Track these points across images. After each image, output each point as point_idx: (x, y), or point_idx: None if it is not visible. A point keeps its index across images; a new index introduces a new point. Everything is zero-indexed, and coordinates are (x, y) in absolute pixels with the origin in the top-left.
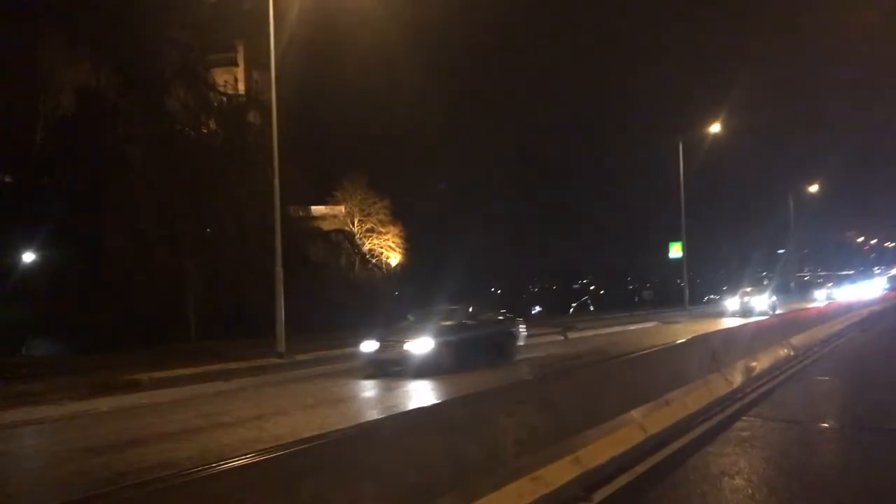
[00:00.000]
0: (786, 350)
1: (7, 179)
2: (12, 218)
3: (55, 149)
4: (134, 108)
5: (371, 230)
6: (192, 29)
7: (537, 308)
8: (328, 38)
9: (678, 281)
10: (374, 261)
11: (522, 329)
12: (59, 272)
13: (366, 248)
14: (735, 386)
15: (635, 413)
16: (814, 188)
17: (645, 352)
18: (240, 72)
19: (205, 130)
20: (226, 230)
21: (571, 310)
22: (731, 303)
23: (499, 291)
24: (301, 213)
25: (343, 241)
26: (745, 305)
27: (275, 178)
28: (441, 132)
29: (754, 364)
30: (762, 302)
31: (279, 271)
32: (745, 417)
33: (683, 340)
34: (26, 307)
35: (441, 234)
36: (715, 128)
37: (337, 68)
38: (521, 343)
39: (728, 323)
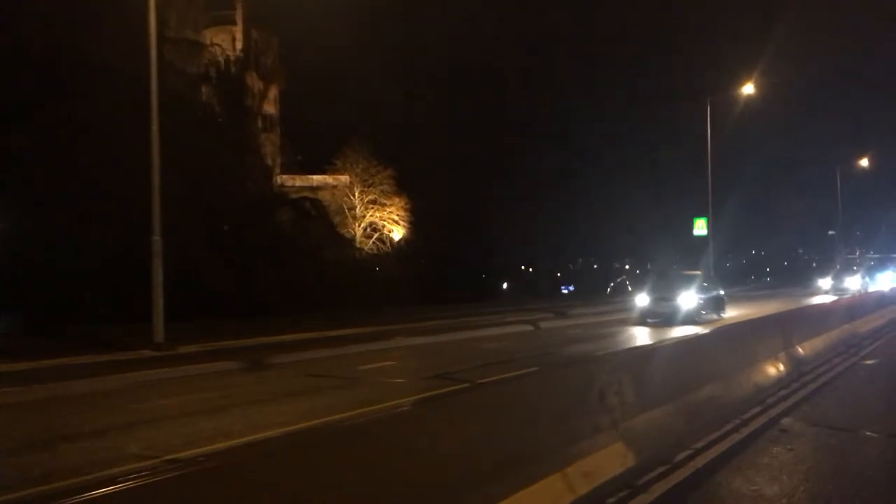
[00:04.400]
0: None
1: None
2: None
3: None
4: None
5: (374, 202)
6: None
7: (570, 287)
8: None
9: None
10: (376, 235)
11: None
12: None
13: (366, 221)
14: None
15: None
16: (864, 162)
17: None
18: (238, 31)
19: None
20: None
21: (609, 289)
22: (824, 282)
23: (530, 269)
24: (295, 183)
25: (344, 214)
26: (837, 285)
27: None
28: (465, 94)
29: None
30: (855, 282)
31: (156, 241)
32: None
33: None
34: None
35: (459, 209)
36: (748, 88)
37: (347, 26)
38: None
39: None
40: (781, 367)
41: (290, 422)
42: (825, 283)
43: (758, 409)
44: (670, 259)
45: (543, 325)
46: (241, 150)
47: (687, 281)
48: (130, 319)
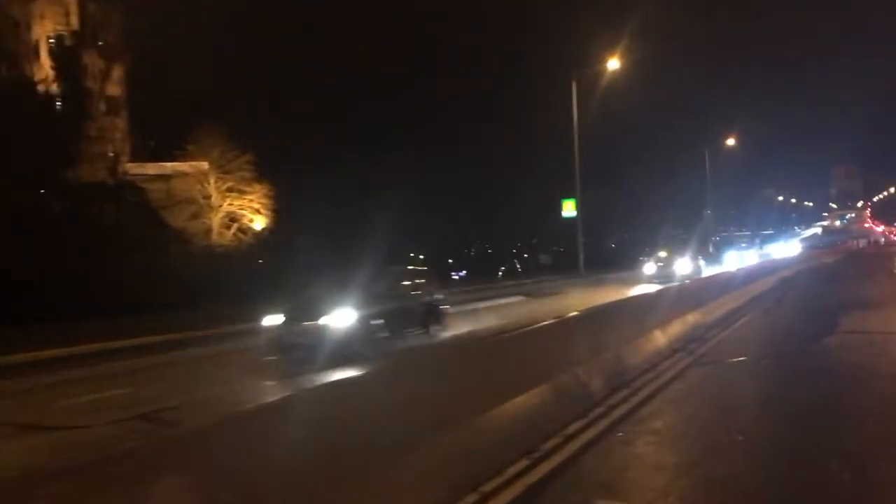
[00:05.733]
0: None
1: None
2: None
3: None
4: None
5: (231, 189)
6: None
7: (461, 273)
8: None
9: (612, 244)
10: (235, 226)
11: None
12: None
13: (223, 210)
14: None
15: None
16: (731, 142)
17: None
18: (72, 4)
19: None
20: None
21: (500, 273)
22: (648, 267)
23: (421, 256)
24: (146, 171)
25: (199, 204)
26: (663, 270)
27: None
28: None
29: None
30: (685, 265)
31: None
32: None
33: None
34: None
35: (332, 196)
36: (612, 63)
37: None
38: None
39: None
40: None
41: None
42: (649, 267)
43: None
44: (548, 242)
45: None
46: (76, 136)
47: (355, 287)
48: None
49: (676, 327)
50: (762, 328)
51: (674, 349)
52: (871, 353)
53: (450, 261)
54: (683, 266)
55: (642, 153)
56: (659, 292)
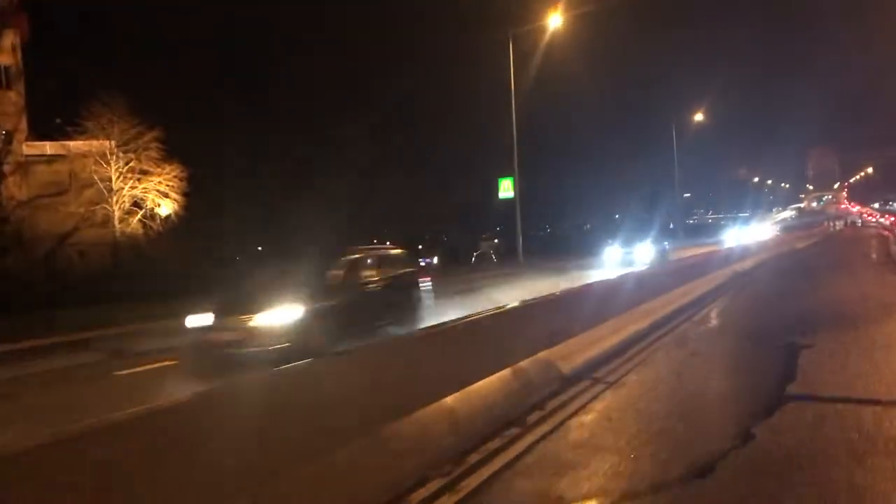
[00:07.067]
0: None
1: None
2: None
3: None
4: None
5: (135, 170)
6: None
7: (428, 259)
8: None
9: (572, 230)
10: (141, 212)
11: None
12: None
13: (125, 194)
14: None
15: None
16: (699, 117)
17: None
18: None
19: None
20: None
21: (474, 258)
22: (609, 254)
23: (387, 242)
24: (46, 151)
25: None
26: (627, 257)
27: None
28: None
29: None
30: (645, 251)
31: None
32: None
33: None
34: None
35: (258, 183)
36: (554, 20)
37: None
38: None
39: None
40: None
41: None
42: (614, 252)
43: None
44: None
45: None
46: None
47: (301, 278)
48: None
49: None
50: (643, 402)
51: None
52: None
53: (419, 246)
54: (644, 253)
55: (607, 133)
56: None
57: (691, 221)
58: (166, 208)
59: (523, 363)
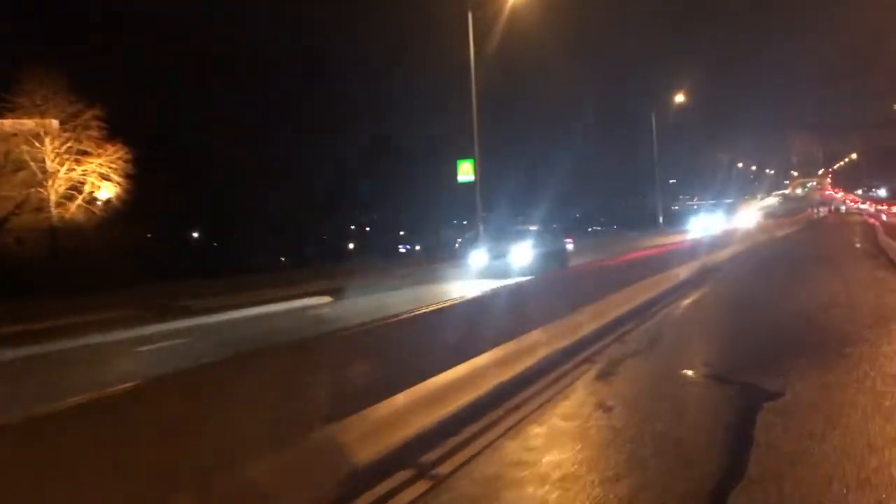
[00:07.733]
0: None
1: None
2: None
3: None
4: None
5: (73, 151)
6: None
7: (409, 246)
8: None
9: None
10: (81, 196)
11: None
12: None
13: (62, 177)
14: None
15: None
16: (679, 98)
17: None
18: None
19: None
20: None
21: (457, 245)
22: (477, 256)
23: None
24: None
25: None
26: (496, 263)
27: None
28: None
29: None
30: (523, 254)
31: None
32: None
33: None
34: None
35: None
36: None
37: None
38: None
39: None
40: None
41: None
42: (479, 257)
43: None
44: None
45: None
46: None
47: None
48: None
49: None
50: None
51: None
52: None
53: (401, 232)
54: (522, 256)
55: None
56: None
57: (675, 208)
58: (107, 192)
59: None
